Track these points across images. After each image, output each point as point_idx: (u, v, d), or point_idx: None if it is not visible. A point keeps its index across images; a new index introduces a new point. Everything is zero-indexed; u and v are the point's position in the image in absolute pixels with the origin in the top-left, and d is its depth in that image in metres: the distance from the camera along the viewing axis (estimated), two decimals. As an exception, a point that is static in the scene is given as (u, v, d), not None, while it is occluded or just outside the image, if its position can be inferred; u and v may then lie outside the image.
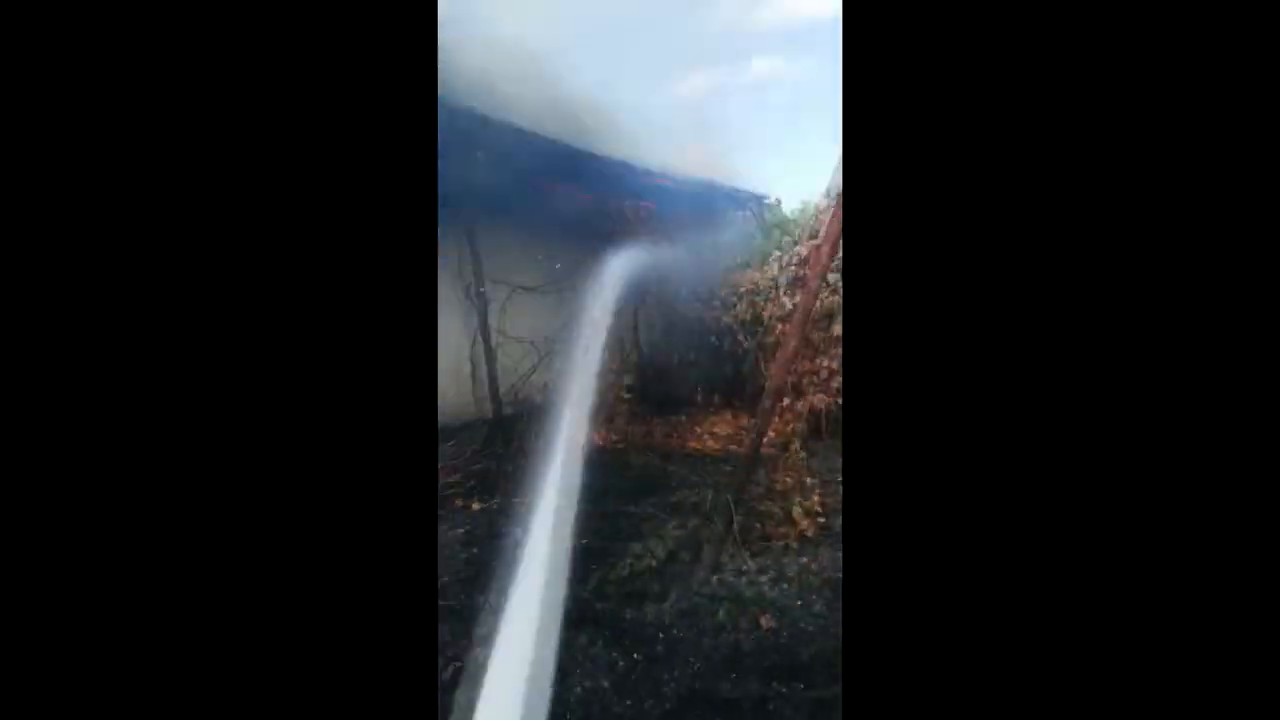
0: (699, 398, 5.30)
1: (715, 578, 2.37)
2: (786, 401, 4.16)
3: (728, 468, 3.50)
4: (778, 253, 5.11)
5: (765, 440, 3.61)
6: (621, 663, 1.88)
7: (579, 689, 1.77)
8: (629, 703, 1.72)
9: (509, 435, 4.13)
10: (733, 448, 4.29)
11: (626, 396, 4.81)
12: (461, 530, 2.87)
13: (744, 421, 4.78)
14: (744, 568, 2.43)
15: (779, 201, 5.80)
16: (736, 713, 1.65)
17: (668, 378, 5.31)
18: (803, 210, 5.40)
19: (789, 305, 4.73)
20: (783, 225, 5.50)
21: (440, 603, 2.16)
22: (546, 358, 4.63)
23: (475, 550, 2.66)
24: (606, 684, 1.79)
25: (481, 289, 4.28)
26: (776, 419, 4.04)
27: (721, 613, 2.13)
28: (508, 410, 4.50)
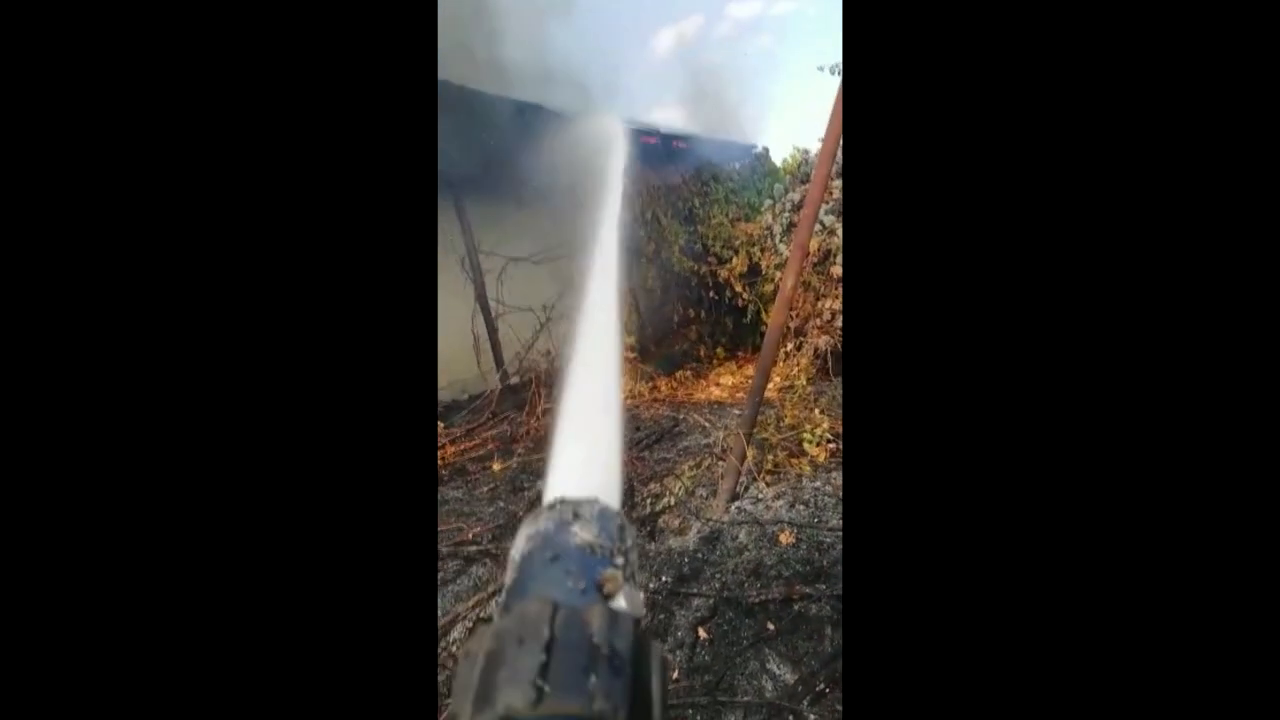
0: (702, 352, 5.37)
1: (734, 506, 2.47)
2: (790, 346, 4.23)
3: (737, 412, 3.58)
4: (769, 201, 5.11)
5: (772, 384, 3.69)
6: (651, 584, 1.99)
7: (614, 609, 1.87)
8: (662, 616, 1.83)
9: (520, 401, 4.22)
10: (740, 395, 4.37)
11: (630, 356, 4.87)
12: (486, 488, 2.97)
13: (750, 370, 4.85)
14: (760, 495, 2.53)
15: (767, 150, 5.77)
16: (764, 613, 1.76)
17: (669, 335, 5.37)
18: (792, 156, 5.37)
19: (785, 252, 4.76)
20: (774, 174, 5.48)
21: (477, 548, 2.27)
22: (548, 324, 4.69)
23: (501, 503, 2.76)
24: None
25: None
26: (781, 362, 4.12)
27: (742, 534, 2.24)
28: (515, 379, 4.58)
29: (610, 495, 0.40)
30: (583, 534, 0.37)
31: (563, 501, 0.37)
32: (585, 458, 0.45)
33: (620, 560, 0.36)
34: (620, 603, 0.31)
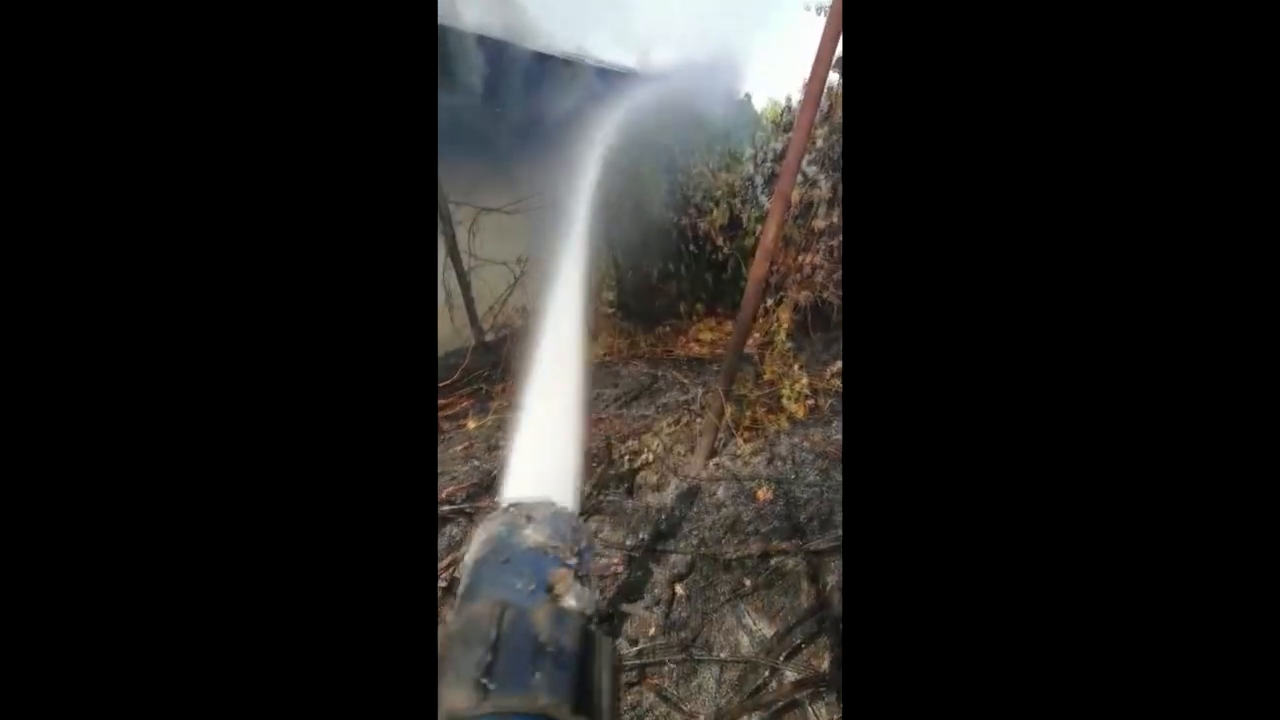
0: (681, 307, 5.30)
1: (712, 463, 2.47)
2: (770, 301, 4.18)
3: (716, 369, 3.56)
4: (751, 151, 4.95)
5: (752, 339, 3.65)
6: (629, 541, 1.98)
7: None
8: (639, 573, 1.83)
9: (495, 358, 4.12)
10: (719, 351, 4.35)
11: (609, 311, 4.79)
12: (461, 447, 2.92)
13: (729, 326, 4.81)
14: (738, 452, 2.53)
15: (749, 96, 5.54)
16: (741, 569, 1.77)
17: (648, 290, 5.27)
18: (772, 105, 5.17)
19: (767, 204, 4.64)
20: (755, 121, 5.29)
21: (451, 507, 2.23)
22: (522, 278, 4.54)
23: (476, 462, 2.71)
24: (617, 559, 1.89)
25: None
26: (760, 318, 4.07)
27: (720, 491, 2.24)
28: (489, 336, 4.46)
29: (565, 495, 0.38)
30: (535, 536, 0.35)
31: (516, 505, 0.37)
32: (541, 462, 0.44)
33: (573, 560, 0.34)
34: (570, 601, 0.31)
